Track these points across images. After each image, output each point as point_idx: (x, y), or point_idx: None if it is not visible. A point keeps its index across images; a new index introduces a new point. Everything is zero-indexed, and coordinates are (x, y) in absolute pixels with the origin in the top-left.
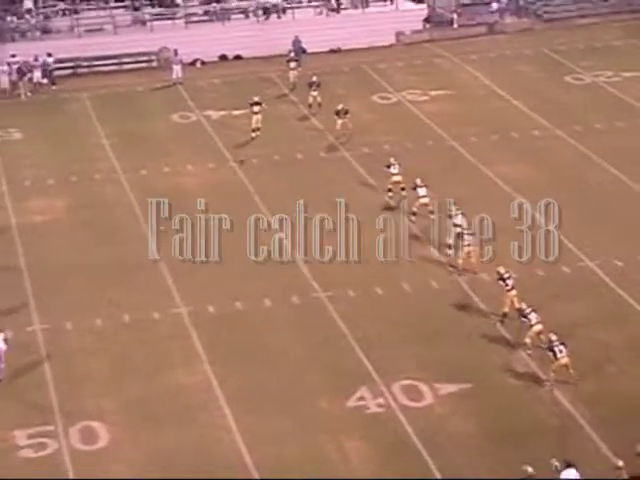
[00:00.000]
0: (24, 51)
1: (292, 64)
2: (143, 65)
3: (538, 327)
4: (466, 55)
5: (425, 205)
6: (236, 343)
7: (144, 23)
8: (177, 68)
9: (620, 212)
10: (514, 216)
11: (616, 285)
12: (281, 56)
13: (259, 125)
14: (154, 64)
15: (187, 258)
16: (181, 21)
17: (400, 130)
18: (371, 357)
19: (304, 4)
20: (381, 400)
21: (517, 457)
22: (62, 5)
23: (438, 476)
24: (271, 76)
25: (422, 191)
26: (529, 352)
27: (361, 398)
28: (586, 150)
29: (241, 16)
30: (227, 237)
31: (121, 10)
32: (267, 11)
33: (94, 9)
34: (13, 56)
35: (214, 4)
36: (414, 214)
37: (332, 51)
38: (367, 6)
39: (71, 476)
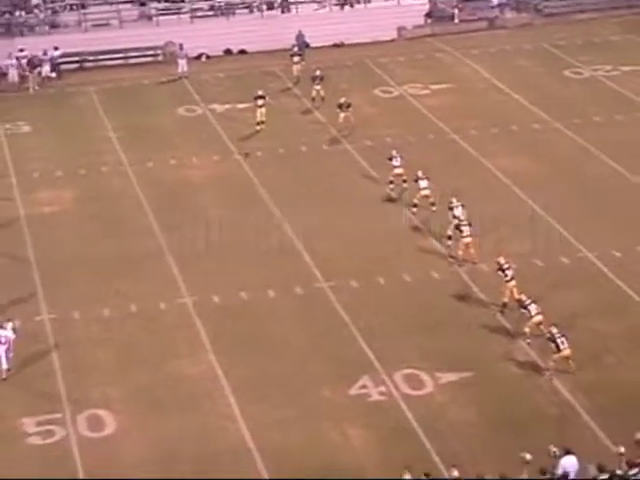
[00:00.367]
0: (32, 45)
1: (295, 58)
2: (149, 59)
3: (538, 318)
4: (467, 50)
5: (426, 197)
6: (240, 333)
7: (150, 18)
8: (182, 62)
9: (619, 204)
10: (514, 208)
11: (615, 276)
12: (285, 50)
13: (263, 118)
14: (160, 58)
15: (193, 249)
16: (186, 16)
17: (402, 123)
18: (373, 346)
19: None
20: (383, 388)
21: (516, 445)
22: (69, 0)
23: (438, 462)
24: (275, 70)
25: (423, 183)
26: (528, 341)
27: (363, 387)
28: (585, 143)
29: (246, 11)
30: (231, 228)
31: (127, 5)
32: (271, 6)
33: (101, 4)
34: (21, 50)
35: None
36: (415, 206)
37: (335, 45)
38: (369, 1)
39: (78, 463)
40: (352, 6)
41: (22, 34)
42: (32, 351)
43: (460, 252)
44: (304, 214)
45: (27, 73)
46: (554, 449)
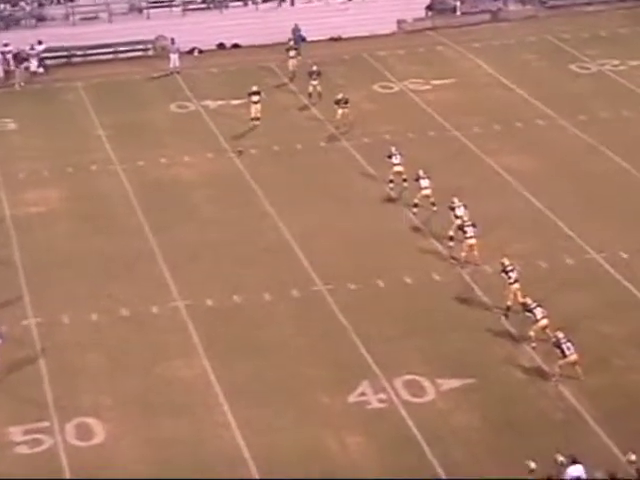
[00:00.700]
0: (18, 39)
1: (291, 53)
2: (139, 54)
3: (544, 322)
4: (469, 43)
5: (427, 197)
6: (235, 337)
7: (140, 11)
8: (174, 57)
9: (626, 203)
10: (517, 207)
11: (622, 277)
12: (280, 44)
13: (258, 115)
14: (150, 53)
15: (184, 250)
16: (178, 9)
17: (401, 120)
18: (372, 351)
19: None
20: (383, 395)
21: (521, 453)
22: None
23: (441, 472)
24: (270, 65)
25: (425, 182)
26: (533, 345)
27: (362, 393)
28: (591, 140)
29: (239, 3)
30: (225, 229)
31: None
32: None
33: None
34: (6, 45)
35: None
36: (416, 205)
37: (332, 39)
38: None
39: (67, 473)
40: None
41: (7, 28)
42: (18, 357)
43: (463, 254)
44: (300, 214)
45: (13, 68)
46: (561, 458)
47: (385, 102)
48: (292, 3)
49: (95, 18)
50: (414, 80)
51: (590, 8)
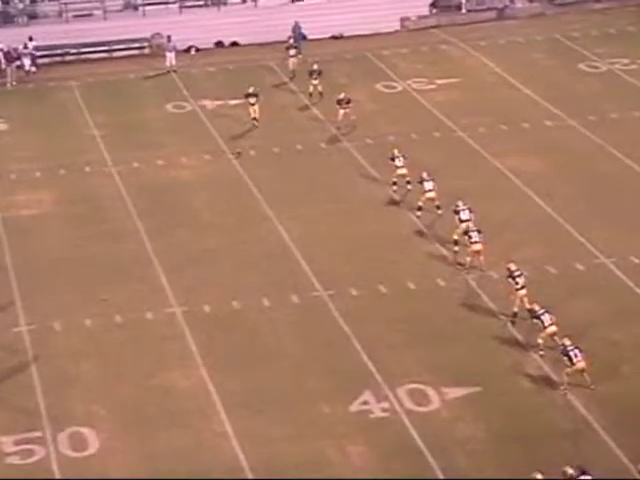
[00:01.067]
0: (10, 37)
1: (291, 51)
2: (135, 52)
3: (552, 329)
4: (475, 41)
5: (431, 200)
6: (233, 344)
7: (136, 8)
8: (171, 55)
9: (637, 206)
10: (524, 210)
11: (633, 283)
12: (280, 43)
13: (257, 116)
14: (146, 51)
15: (181, 255)
16: (175, 6)
17: (405, 120)
18: (375, 359)
19: None
20: (386, 404)
21: (528, 464)
22: None
23: None
24: (270, 64)
25: (429, 185)
26: (541, 353)
27: (365, 402)
28: (601, 141)
29: (238, 0)
30: (223, 233)
31: None
32: None
33: None
34: None
35: None
36: (420, 209)
37: (334, 37)
38: None
39: None
40: None
41: None
42: (10, 364)
43: (468, 258)
44: (301, 217)
45: (4, 67)
46: (570, 471)
47: (388, 102)
48: None
49: (89, 15)
50: (418, 79)
51: (599, 5)
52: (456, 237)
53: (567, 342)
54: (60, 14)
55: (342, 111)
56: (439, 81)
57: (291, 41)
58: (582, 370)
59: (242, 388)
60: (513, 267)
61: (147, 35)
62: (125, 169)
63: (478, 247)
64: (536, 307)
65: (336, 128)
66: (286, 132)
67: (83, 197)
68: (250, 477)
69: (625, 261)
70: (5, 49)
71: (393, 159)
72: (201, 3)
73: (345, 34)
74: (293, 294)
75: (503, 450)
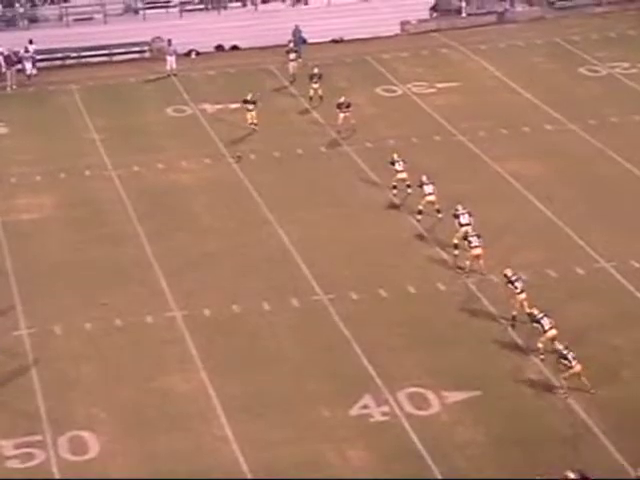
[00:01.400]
0: (10, 41)
1: (292, 55)
2: (135, 56)
3: (552, 332)
4: (475, 45)
5: (431, 203)
6: (233, 348)
7: (136, 12)
8: (171, 59)
9: (637, 210)
10: (525, 214)
11: (633, 287)
12: (280, 46)
13: (255, 121)
14: (147, 55)
15: (182, 258)
16: (175, 10)
17: (405, 124)
18: (375, 363)
19: None
20: (386, 408)
21: (528, 468)
22: None
23: None
24: (270, 67)
25: (428, 188)
26: (542, 357)
27: (365, 406)
28: (601, 145)
29: (238, 4)
30: (223, 236)
31: None
32: None
33: None
34: None
35: None
36: (420, 212)
37: (334, 41)
38: None
39: None
40: None
41: None
42: (10, 368)
43: (468, 262)
44: (301, 221)
45: (4, 71)
46: (572, 475)
47: (388, 106)
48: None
49: (90, 19)
50: (418, 83)
51: (599, 9)
52: (456, 241)
53: (560, 346)
54: (61, 18)
55: (342, 115)
56: (439, 85)
57: (291, 45)
58: (579, 373)
59: (242, 392)
60: (509, 273)
61: (147, 39)
62: (125, 173)
63: (478, 251)
64: (535, 311)
65: (336, 132)
66: (286, 136)
67: (83, 201)
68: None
69: (625, 265)
70: (6, 53)
71: (393, 163)
72: (202, 7)
73: (345, 38)
74: (293, 298)
75: (503, 454)
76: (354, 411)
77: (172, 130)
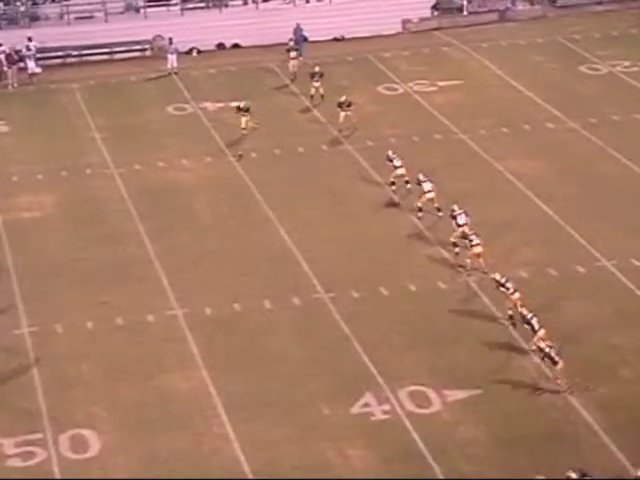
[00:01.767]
0: (11, 39)
1: (292, 53)
2: (136, 54)
3: (542, 332)
4: (476, 44)
5: (431, 200)
6: (234, 347)
7: (137, 10)
8: (172, 57)
9: (638, 208)
10: (526, 213)
11: (634, 286)
12: (282, 45)
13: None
14: (148, 53)
15: (183, 257)
16: (176, 8)
17: (406, 123)
18: (376, 361)
19: None
20: (387, 406)
21: (529, 467)
22: None
23: None
24: (271, 66)
25: (427, 186)
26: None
27: (366, 404)
28: (602, 144)
29: (239, 2)
30: (224, 235)
31: None
32: None
33: None
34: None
35: None
36: (420, 210)
37: (335, 40)
38: None
39: None
40: None
41: (0, 27)
42: (11, 366)
43: (468, 260)
44: (302, 219)
45: (6, 69)
46: (573, 475)
47: (390, 104)
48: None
49: (91, 17)
50: (419, 81)
51: (601, 7)
52: (454, 240)
53: (542, 344)
54: (61, 16)
55: (343, 114)
56: (440, 83)
57: (291, 43)
58: (542, 338)
59: (243, 390)
60: (498, 277)
61: (148, 37)
62: (126, 171)
63: (479, 250)
64: (525, 311)
65: (337, 130)
66: (287, 134)
67: (84, 199)
68: (251, 479)
69: (626, 263)
70: (7, 51)
71: (391, 160)
72: (203, 5)
73: (346, 36)
74: (294, 296)
75: (504, 452)
76: (355, 409)
77: (173, 128)
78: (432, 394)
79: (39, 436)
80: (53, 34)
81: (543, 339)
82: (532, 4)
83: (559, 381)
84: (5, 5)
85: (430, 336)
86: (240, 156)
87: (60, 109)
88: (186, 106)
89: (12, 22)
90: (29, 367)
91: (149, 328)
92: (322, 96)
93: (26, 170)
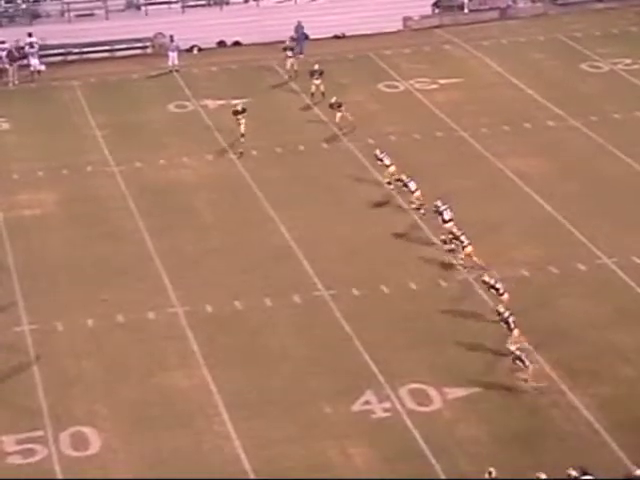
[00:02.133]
0: (12, 36)
1: (289, 52)
2: (137, 52)
3: (516, 331)
4: (477, 41)
5: (418, 199)
6: (235, 345)
7: (138, 8)
8: (173, 55)
9: (639, 206)
10: (526, 210)
11: (635, 283)
12: (283, 42)
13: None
14: (149, 51)
15: (183, 255)
16: (177, 5)
17: (407, 120)
18: (377, 359)
19: None
20: (387, 404)
21: (530, 464)
22: None
23: None
24: (272, 64)
25: (412, 185)
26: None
27: (366, 402)
28: (603, 141)
29: (240, 0)
30: (225, 233)
31: None
32: None
33: None
34: (1, 42)
35: None
36: (419, 208)
37: (336, 37)
38: None
39: None
40: None
41: (1, 25)
42: (12, 364)
43: (462, 256)
44: (303, 217)
45: (7, 66)
46: (573, 473)
47: (390, 102)
48: None
49: (91, 15)
50: (420, 79)
51: (601, 5)
52: (443, 237)
53: (512, 347)
54: (62, 14)
55: (339, 114)
56: (441, 81)
57: (287, 42)
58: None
59: (243, 388)
60: (487, 278)
61: (149, 35)
62: (127, 169)
63: (470, 249)
64: (502, 309)
65: (338, 128)
66: (288, 132)
67: (85, 197)
68: (251, 478)
69: (627, 261)
70: (9, 48)
71: (381, 160)
72: (204, 3)
73: (347, 34)
74: (295, 294)
75: (505, 450)
76: (356, 407)
77: (174, 126)
78: (433, 392)
79: (40, 433)
80: (54, 31)
81: (516, 341)
82: (533, 2)
83: (529, 382)
84: (6, 3)
85: (431, 334)
86: (241, 154)
87: (61, 107)
88: (187, 104)
89: (13, 20)
90: (30, 365)
91: (150, 326)
92: (323, 94)
93: (27, 168)
